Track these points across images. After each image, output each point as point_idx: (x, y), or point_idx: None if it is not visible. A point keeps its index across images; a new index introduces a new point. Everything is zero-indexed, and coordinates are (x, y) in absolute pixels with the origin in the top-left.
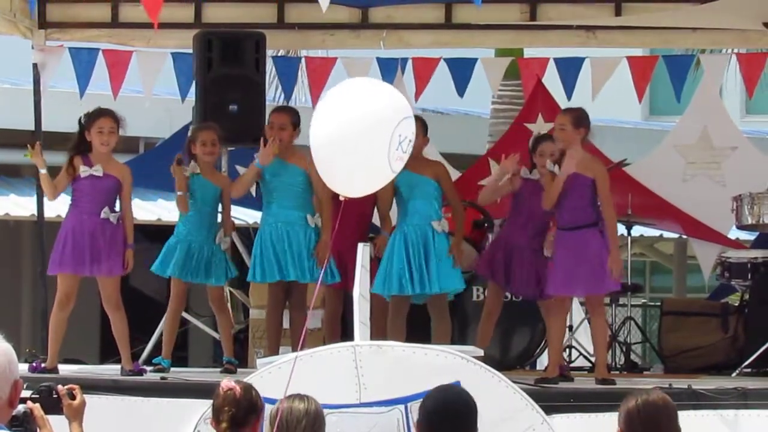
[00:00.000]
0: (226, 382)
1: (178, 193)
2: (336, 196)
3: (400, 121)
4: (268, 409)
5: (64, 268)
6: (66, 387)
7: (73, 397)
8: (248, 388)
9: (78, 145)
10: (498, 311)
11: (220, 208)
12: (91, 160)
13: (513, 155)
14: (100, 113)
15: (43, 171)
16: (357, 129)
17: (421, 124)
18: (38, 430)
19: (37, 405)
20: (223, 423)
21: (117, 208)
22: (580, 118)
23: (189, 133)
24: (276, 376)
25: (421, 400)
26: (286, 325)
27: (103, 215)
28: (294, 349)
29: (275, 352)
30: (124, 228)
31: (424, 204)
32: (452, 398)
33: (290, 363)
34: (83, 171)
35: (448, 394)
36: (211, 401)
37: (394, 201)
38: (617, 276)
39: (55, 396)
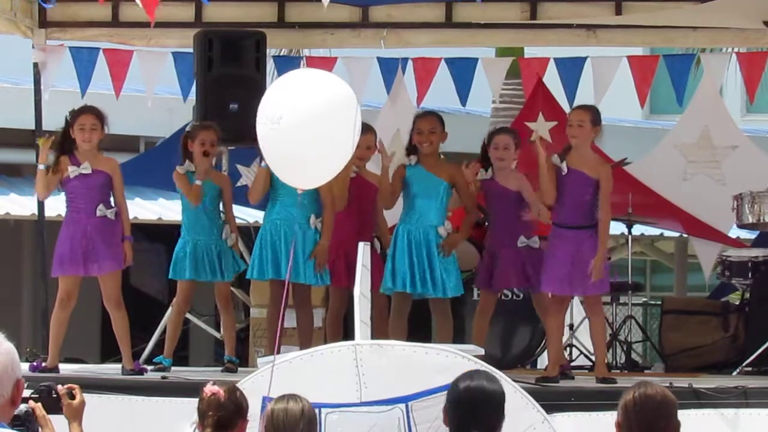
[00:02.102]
0: (210, 387)
1: (197, 182)
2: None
3: (357, 104)
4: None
5: (65, 270)
6: (65, 387)
7: (72, 397)
8: (233, 390)
9: (63, 142)
10: (491, 309)
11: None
12: (78, 158)
13: (472, 164)
14: (82, 110)
15: (41, 167)
16: (333, 114)
17: (440, 121)
18: (40, 429)
19: (39, 404)
20: (207, 428)
21: (112, 202)
22: (597, 115)
23: (188, 128)
24: (276, 375)
25: (450, 386)
26: (288, 324)
27: (99, 213)
28: (302, 348)
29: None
30: (120, 221)
31: (431, 204)
32: (479, 384)
33: (290, 362)
34: (72, 171)
35: (475, 379)
36: None
37: (402, 195)
38: (596, 278)
39: (54, 396)
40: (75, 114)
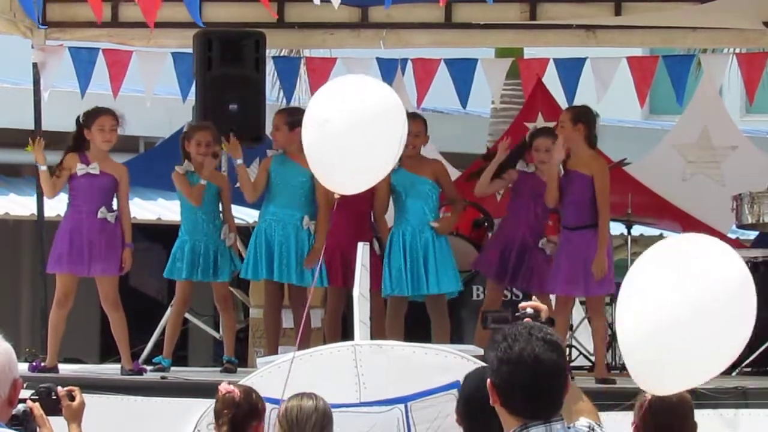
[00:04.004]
0: (225, 386)
1: (202, 182)
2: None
3: (405, 114)
4: (270, 408)
5: (62, 267)
6: (65, 389)
7: (72, 399)
8: (248, 392)
9: (76, 143)
10: (497, 309)
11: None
12: (89, 158)
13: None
14: (102, 111)
15: (43, 168)
16: (380, 121)
17: (423, 123)
18: (38, 429)
19: (37, 404)
20: (223, 426)
21: (114, 207)
22: (578, 114)
23: (185, 129)
24: (276, 376)
25: (460, 387)
26: (285, 324)
27: (100, 215)
28: (299, 348)
29: (275, 352)
30: (121, 227)
31: (421, 204)
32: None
33: (290, 362)
34: (80, 169)
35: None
36: (210, 401)
37: (391, 201)
38: (599, 276)
39: (54, 397)
40: (93, 115)
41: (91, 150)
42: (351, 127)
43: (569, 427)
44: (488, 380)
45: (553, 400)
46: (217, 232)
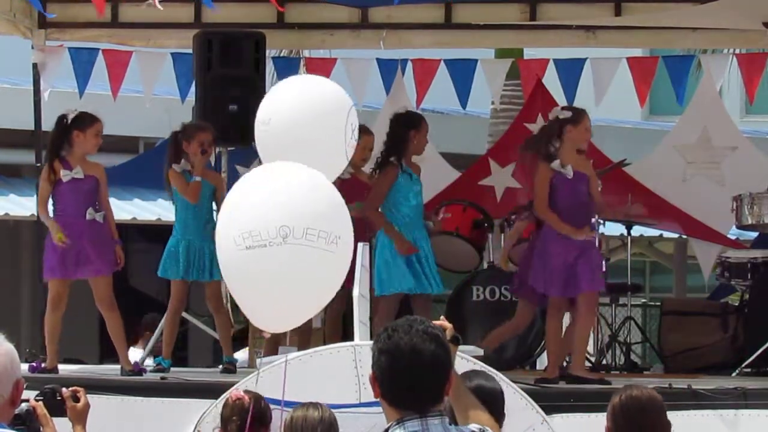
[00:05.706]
0: (236, 392)
1: (196, 178)
2: None
3: (349, 109)
4: (276, 411)
5: (56, 273)
6: (70, 389)
7: (77, 400)
8: (258, 399)
9: (60, 146)
10: (524, 326)
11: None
12: (70, 162)
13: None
14: (95, 117)
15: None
16: (315, 123)
17: (426, 124)
18: (41, 428)
19: (40, 403)
20: None
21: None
22: (571, 115)
23: (182, 128)
24: (275, 376)
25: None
26: None
27: (88, 216)
28: (300, 349)
29: (274, 352)
30: (109, 225)
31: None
32: (478, 384)
33: (290, 363)
34: (65, 175)
35: (473, 379)
36: (210, 401)
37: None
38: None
39: (59, 398)
40: (90, 120)
41: (73, 153)
42: (291, 126)
43: (451, 425)
44: (370, 372)
45: (431, 393)
46: (211, 232)
